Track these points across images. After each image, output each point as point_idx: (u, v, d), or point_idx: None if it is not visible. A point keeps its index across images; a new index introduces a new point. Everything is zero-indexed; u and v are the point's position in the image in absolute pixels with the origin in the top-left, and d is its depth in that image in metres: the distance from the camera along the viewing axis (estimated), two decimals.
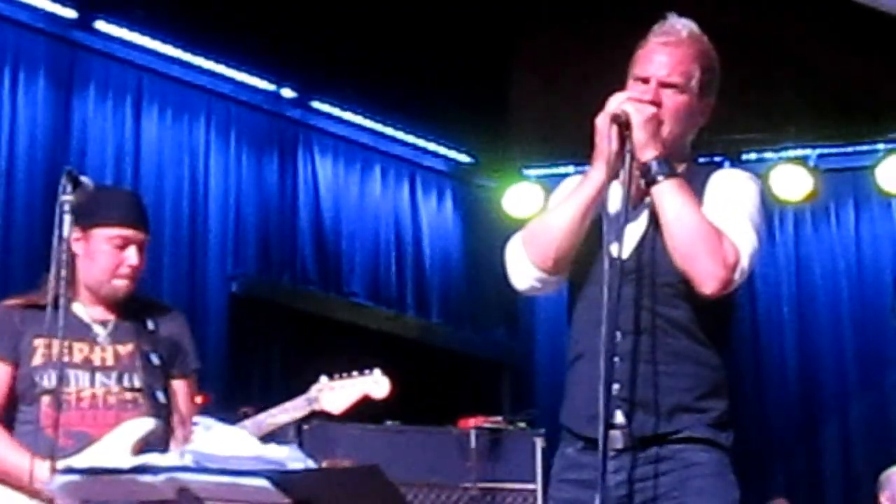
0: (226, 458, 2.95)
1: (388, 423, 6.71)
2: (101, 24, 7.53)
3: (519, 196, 9.41)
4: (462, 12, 8.78)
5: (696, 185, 3.33)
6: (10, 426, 4.03)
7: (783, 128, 9.03)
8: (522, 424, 7.13)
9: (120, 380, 4.05)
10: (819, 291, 9.51)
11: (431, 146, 9.60)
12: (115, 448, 3.91)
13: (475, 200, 9.87)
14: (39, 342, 4.01)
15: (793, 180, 8.93)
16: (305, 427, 6.09)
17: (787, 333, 9.55)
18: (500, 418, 7.16)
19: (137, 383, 4.05)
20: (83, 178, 3.73)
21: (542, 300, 8.59)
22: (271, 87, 8.50)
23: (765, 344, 9.56)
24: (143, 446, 3.90)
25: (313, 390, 4.93)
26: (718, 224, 3.23)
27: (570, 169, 8.27)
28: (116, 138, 7.70)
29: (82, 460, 3.75)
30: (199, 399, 4.38)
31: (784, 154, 9.08)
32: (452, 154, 9.76)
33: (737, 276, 3.21)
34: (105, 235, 4.07)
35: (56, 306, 3.69)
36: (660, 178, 3.23)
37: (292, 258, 8.70)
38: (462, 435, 6.93)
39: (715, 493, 3.24)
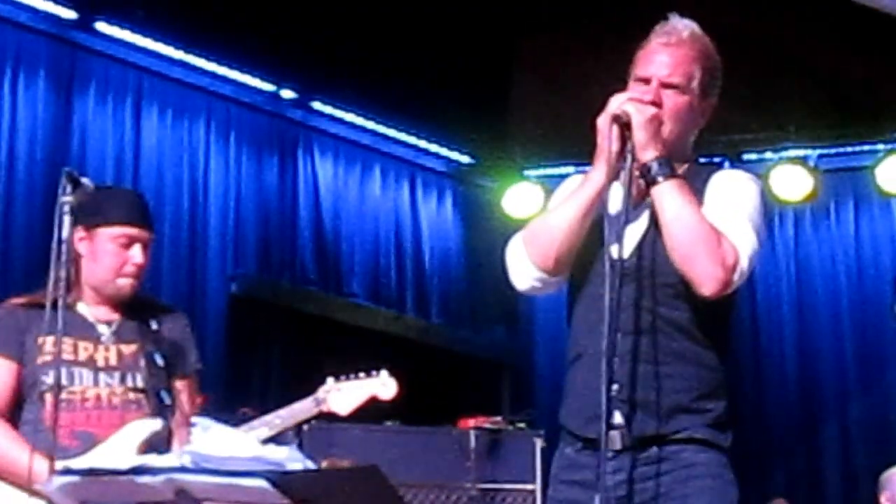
0: (224, 459, 2.95)
1: (388, 423, 6.71)
2: (101, 26, 7.53)
3: (519, 196, 9.40)
4: (462, 12, 8.77)
5: (696, 186, 3.33)
6: (15, 425, 4.03)
7: (783, 128, 9.02)
8: (522, 425, 7.13)
9: (123, 380, 4.05)
10: (819, 291, 9.50)
11: (431, 147, 9.60)
12: (120, 449, 3.91)
13: (475, 201, 9.87)
14: (44, 340, 4.01)
15: (793, 180, 8.92)
16: (305, 427, 6.09)
17: (787, 333, 9.55)
18: (499, 418, 7.16)
19: (141, 383, 4.06)
20: (83, 179, 3.73)
21: (541, 300, 8.59)
22: (271, 87, 8.50)
23: (765, 344, 9.55)
24: (148, 447, 3.90)
25: (321, 391, 4.94)
26: (718, 225, 3.23)
27: (571, 169, 8.26)
28: (116, 139, 7.70)
29: (87, 461, 3.75)
30: (198, 399, 4.38)
31: (784, 154, 9.08)
32: (452, 154, 9.76)
33: (736, 277, 3.21)
34: (109, 234, 4.08)
35: (55, 307, 3.71)
36: (660, 178, 3.23)
37: (292, 259, 8.70)
38: (462, 435, 6.93)
39: (714, 493, 3.24)
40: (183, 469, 2.95)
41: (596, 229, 3.29)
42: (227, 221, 8.29)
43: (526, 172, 9.57)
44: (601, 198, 3.27)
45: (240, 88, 8.35)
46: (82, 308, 4.10)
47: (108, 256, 4.08)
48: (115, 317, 4.13)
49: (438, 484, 6.81)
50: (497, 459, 6.92)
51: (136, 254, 4.09)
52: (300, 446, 5.15)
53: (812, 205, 9.33)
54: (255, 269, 8.49)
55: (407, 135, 9.37)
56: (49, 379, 3.97)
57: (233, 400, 6.50)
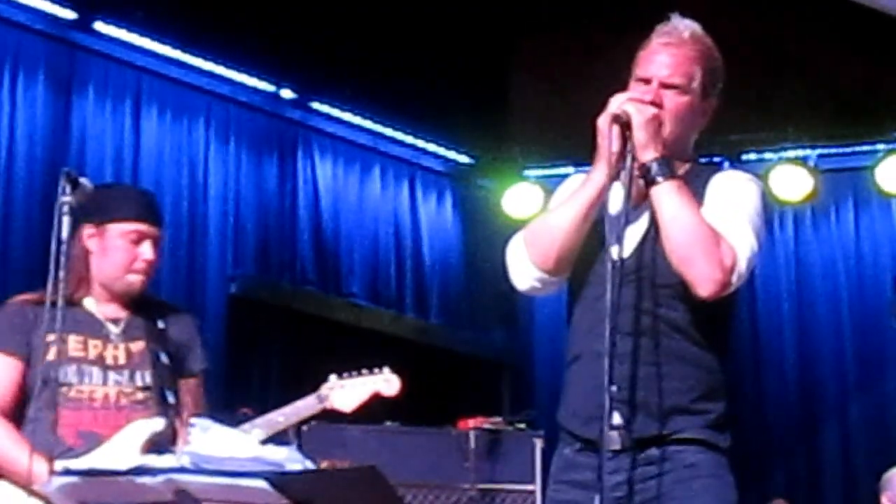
0: (224, 460, 2.95)
1: (388, 423, 6.71)
2: (100, 26, 7.52)
3: (518, 197, 9.40)
4: (462, 12, 8.77)
5: (697, 186, 3.32)
6: (18, 423, 4.02)
7: (783, 128, 9.02)
8: (522, 425, 7.12)
9: (132, 378, 4.06)
10: (819, 291, 9.50)
11: (431, 147, 9.59)
12: (123, 449, 3.91)
13: (475, 201, 9.87)
14: (53, 338, 4.01)
15: (793, 180, 8.92)
16: (304, 428, 6.08)
17: (787, 333, 9.54)
18: (499, 419, 7.15)
19: (148, 381, 4.07)
20: (82, 179, 3.73)
21: (541, 300, 8.59)
22: (271, 87, 8.49)
23: (765, 344, 9.55)
24: (151, 447, 3.90)
25: (324, 388, 4.94)
26: (717, 226, 3.22)
27: (570, 169, 8.27)
28: (116, 139, 7.69)
29: (89, 461, 3.75)
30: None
31: (784, 154, 9.07)
32: (452, 155, 9.75)
33: (734, 279, 3.21)
34: (120, 230, 4.09)
35: (55, 306, 3.71)
36: (659, 179, 3.23)
37: (292, 259, 8.70)
38: (461, 435, 6.93)
39: (713, 494, 3.24)
40: (182, 469, 2.95)
41: (596, 230, 3.29)
42: (226, 222, 8.28)
43: (525, 172, 9.56)
44: (602, 198, 3.27)
45: (239, 88, 8.34)
46: (90, 305, 4.12)
47: (118, 253, 4.09)
48: (123, 315, 4.14)
49: (438, 484, 6.81)
50: (497, 460, 6.92)
51: (146, 250, 4.11)
52: (299, 447, 5.14)
53: (812, 205, 9.32)
54: (255, 270, 8.48)
55: (406, 135, 9.36)
56: (58, 377, 3.98)
57: (232, 400, 6.49)
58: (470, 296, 9.73)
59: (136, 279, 4.11)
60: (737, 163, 8.72)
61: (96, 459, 3.82)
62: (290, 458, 2.96)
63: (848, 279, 9.42)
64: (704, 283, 3.19)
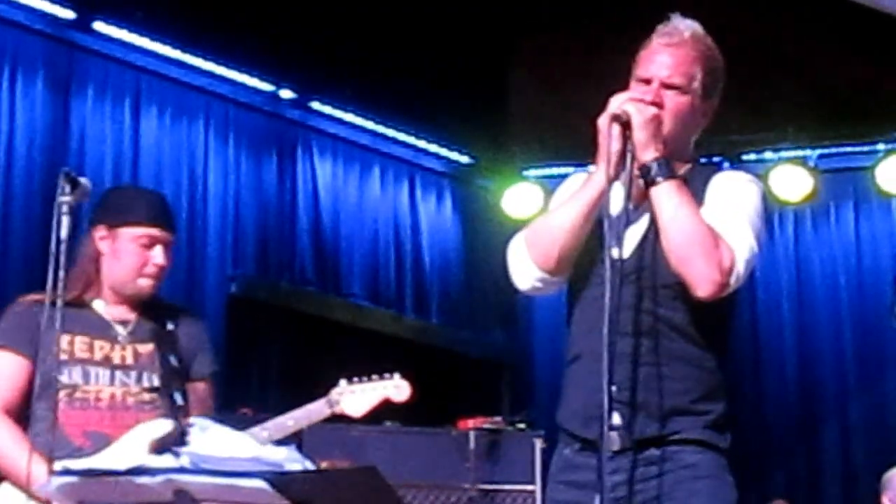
0: (223, 460, 2.94)
1: (387, 423, 6.70)
2: (99, 25, 7.51)
3: (518, 197, 9.40)
4: (462, 13, 8.77)
5: (697, 187, 3.32)
6: (24, 422, 4.01)
7: (783, 128, 9.02)
8: (521, 425, 7.12)
9: (139, 379, 4.06)
10: (819, 291, 9.50)
11: (430, 147, 9.59)
12: (131, 450, 3.91)
13: (474, 201, 9.86)
14: (61, 338, 4.01)
15: (792, 181, 8.92)
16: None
17: (787, 333, 9.54)
18: (499, 419, 7.15)
19: (156, 383, 4.06)
20: (81, 180, 3.73)
21: (541, 300, 8.58)
22: (270, 88, 8.48)
23: (765, 344, 9.55)
24: (159, 448, 3.89)
25: (334, 393, 4.93)
26: (717, 227, 3.22)
27: (570, 169, 8.21)
28: (115, 139, 7.68)
29: (97, 461, 3.75)
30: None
31: (784, 154, 9.08)
32: (451, 155, 9.75)
33: (732, 280, 3.20)
34: (132, 234, 4.09)
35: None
36: (659, 179, 3.23)
37: (291, 259, 8.69)
38: (461, 436, 6.93)
39: (712, 494, 3.24)
40: (181, 470, 2.95)
41: (596, 230, 3.29)
42: (225, 222, 8.28)
43: (525, 172, 9.57)
44: (603, 199, 3.26)
45: (238, 88, 8.34)
46: (99, 307, 4.11)
47: (129, 256, 4.09)
48: (132, 317, 4.13)
49: (437, 485, 6.81)
50: (496, 460, 6.92)
51: (158, 255, 4.10)
52: (299, 447, 5.14)
53: (812, 205, 9.32)
54: (254, 270, 8.48)
55: (406, 135, 9.36)
56: (65, 377, 3.99)
57: (232, 400, 6.48)
58: (470, 296, 9.72)
59: (146, 283, 4.11)
60: (737, 163, 8.73)
61: (104, 460, 3.81)
62: (290, 459, 2.96)
63: (848, 279, 9.42)
64: (702, 284, 3.18)
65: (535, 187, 9.38)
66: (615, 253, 3.16)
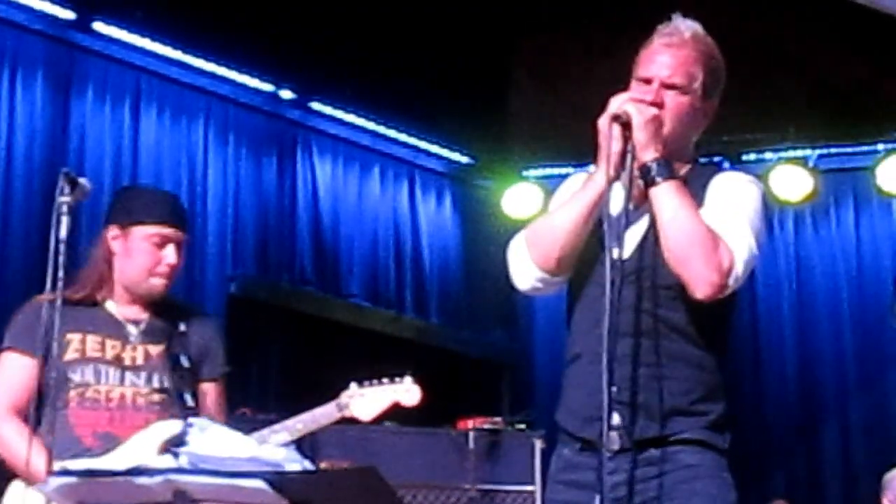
0: (222, 460, 2.94)
1: (387, 423, 6.69)
2: (99, 26, 7.51)
3: (518, 197, 9.40)
4: (462, 13, 8.76)
5: (697, 187, 3.31)
6: (35, 422, 4.00)
7: (783, 128, 9.02)
8: (521, 425, 7.12)
9: (149, 380, 4.06)
10: (819, 291, 9.49)
11: (430, 147, 9.59)
12: (141, 451, 3.90)
13: (474, 201, 9.86)
14: (72, 337, 4.02)
15: (793, 180, 8.92)
16: None
17: (787, 333, 9.54)
18: (498, 419, 7.15)
19: (166, 384, 4.06)
20: (80, 180, 3.73)
21: (541, 301, 8.58)
22: (270, 88, 8.48)
23: (765, 344, 9.54)
24: (168, 449, 3.89)
25: (343, 396, 4.91)
26: (716, 227, 3.21)
27: (570, 170, 8.23)
28: (115, 140, 7.68)
29: (105, 462, 3.74)
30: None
31: (784, 154, 9.07)
32: (451, 155, 9.74)
33: (730, 281, 3.20)
34: (144, 233, 4.09)
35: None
36: (658, 179, 3.22)
37: (291, 259, 8.69)
38: (461, 436, 6.93)
39: (712, 495, 3.23)
40: (181, 470, 2.94)
41: (597, 230, 3.28)
42: (225, 222, 8.28)
43: (525, 173, 9.56)
44: (603, 199, 3.26)
45: (238, 88, 8.34)
46: (111, 306, 4.12)
47: (141, 255, 4.09)
48: (144, 316, 4.14)
49: (437, 485, 6.81)
50: (496, 460, 6.92)
51: (170, 254, 4.11)
52: (298, 447, 5.14)
53: (812, 205, 9.32)
54: (254, 270, 8.48)
55: (406, 135, 9.35)
56: (76, 376, 3.99)
57: (231, 400, 6.45)
58: (470, 296, 9.72)
59: (158, 282, 4.12)
60: (737, 163, 8.72)
61: (112, 461, 3.81)
62: (289, 459, 2.96)
63: (848, 279, 9.42)
64: (701, 285, 3.18)
65: (534, 187, 9.38)
66: (615, 253, 3.15)
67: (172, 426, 3.97)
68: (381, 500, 3.04)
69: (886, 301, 8.71)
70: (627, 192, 3.16)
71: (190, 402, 4.06)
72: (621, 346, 3.15)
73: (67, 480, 3.06)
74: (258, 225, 8.50)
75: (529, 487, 6.85)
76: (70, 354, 4.01)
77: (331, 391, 4.96)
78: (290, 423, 4.78)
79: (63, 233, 3.64)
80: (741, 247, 3.23)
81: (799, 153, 9.06)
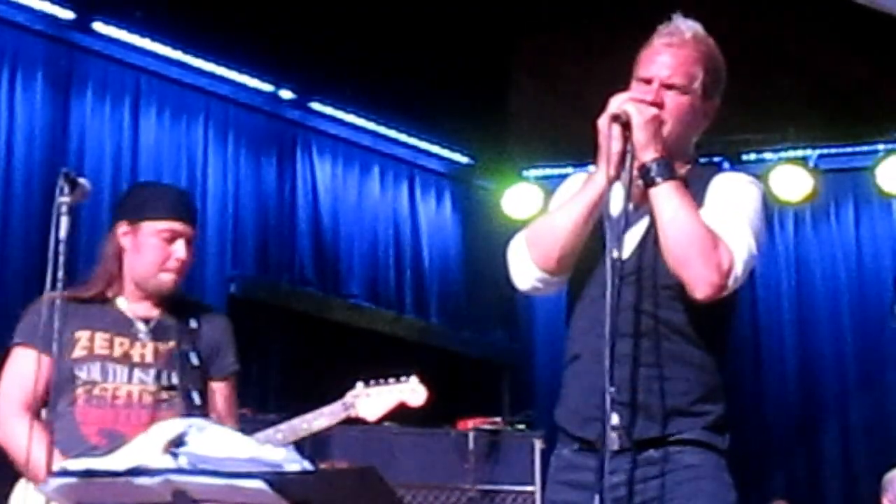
0: (221, 460, 2.94)
1: (387, 424, 6.69)
2: (99, 26, 7.51)
3: (518, 197, 9.40)
4: (462, 13, 8.76)
5: (697, 188, 3.31)
6: (47, 419, 3.99)
7: (783, 128, 9.02)
8: (521, 426, 7.12)
9: (158, 377, 4.05)
10: (819, 291, 9.50)
11: (430, 147, 9.59)
12: (146, 450, 3.89)
13: (474, 202, 9.86)
14: (81, 335, 4.02)
15: (793, 181, 8.92)
16: None
17: (787, 333, 9.54)
18: (498, 420, 7.16)
19: (175, 381, 4.06)
20: (80, 180, 3.72)
21: (541, 301, 8.58)
22: (270, 88, 8.48)
23: (765, 344, 9.55)
24: (174, 447, 3.88)
25: (349, 396, 4.90)
26: (716, 228, 3.21)
27: (570, 170, 8.23)
28: (114, 140, 7.68)
29: (110, 461, 3.73)
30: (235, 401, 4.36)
31: (784, 154, 9.08)
32: (451, 155, 9.74)
33: (730, 282, 3.19)
34: (154, 228, 4.09)
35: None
36: (658, 179, 3.22)
37: (291, 259, 8.69)
38: (461, 436, 6.93)
39: (711, 495, 3.23)
40: (180, 470, 2.94)
41: (597, 230, 3.28)
42: (225, 222, 8.28)
43: (525, 173, 9.57)
44: (604, 199, 3.25)
45: (238, 89, 8.34)
46: (121, 304, 4.11)
47: (151, 251, 4.09)
48: (155, 313, 4.13)
49: (437, 485, 6.81)
50: (496, 461, 6.92)
51: (180, 249, 4.11)
52: (298, 447, 5.14)
53: (812, 205, 9.33)
54: (254, 270, 8.47)
55: (406, 135, 9.36)
56: (83, 374, 3.99)
57: None
58: (470, 296, 9.72)
59: (168, 278, 4.11)
60: (737, 163, 8.73)
61: (117, 460, 3.80)
62: (289, 459, 2.95)
63: (848, 279, 9.42)
64: (700, 286, 3.18)
65: (534, 188, 9.38)
66: (615, 253, 3.15)
67: (176, 425, 3.96)
68: (380, 500, 3.04)
69: (886, 301, 8.71)
70: (627, 192, 3.16)
71: (197, 400, 4.05)
72: (621, 347, 3.15)
73: (67, 481, 3.05)
74: (258, 225, 8.50)
75: (529, 488, 6.85)
76: (78, 352, 4.01)
77: (331, 391, 4.95)
78: (295, 422, 4.77)
79: (63, 233, 3.63)
80: (741, 247, 3.22)
81: (799, 153, 9.07)
